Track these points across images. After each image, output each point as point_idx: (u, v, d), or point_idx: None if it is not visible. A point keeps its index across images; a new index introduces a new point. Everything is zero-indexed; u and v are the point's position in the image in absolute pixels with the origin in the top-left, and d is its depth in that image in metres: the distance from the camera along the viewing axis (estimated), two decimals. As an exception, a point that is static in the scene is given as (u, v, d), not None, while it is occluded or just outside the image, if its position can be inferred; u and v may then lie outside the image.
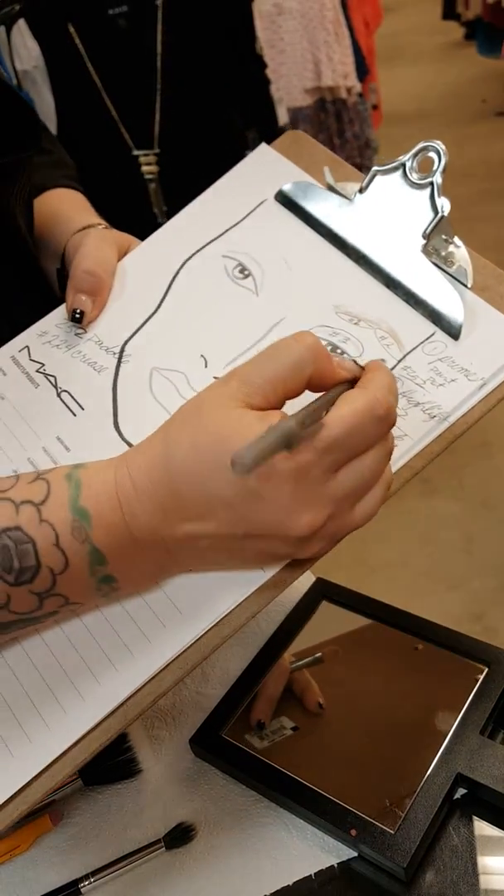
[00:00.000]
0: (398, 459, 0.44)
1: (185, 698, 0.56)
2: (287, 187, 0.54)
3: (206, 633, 0.40)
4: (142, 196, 1.52)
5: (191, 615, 0.41)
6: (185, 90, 1.48)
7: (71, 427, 0.48)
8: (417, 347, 0.47)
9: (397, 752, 0.50)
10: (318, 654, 0.55)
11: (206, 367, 0.49)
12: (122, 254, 0.55)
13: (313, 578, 0.61)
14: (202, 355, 0.49)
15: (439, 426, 0.45)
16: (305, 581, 0.62)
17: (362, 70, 2.48)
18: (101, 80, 1.47)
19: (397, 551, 1.76)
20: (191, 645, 0.40)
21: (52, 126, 1.53)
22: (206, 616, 0.41)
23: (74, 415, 0.48)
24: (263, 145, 0.57)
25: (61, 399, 0.49)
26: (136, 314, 0.52)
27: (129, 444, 0.47)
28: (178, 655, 0.40)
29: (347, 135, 2.51)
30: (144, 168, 1.52)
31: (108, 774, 0.51)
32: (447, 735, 0.48)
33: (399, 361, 0.47)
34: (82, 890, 0.46)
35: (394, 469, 0.43)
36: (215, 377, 0.48)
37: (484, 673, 0.51)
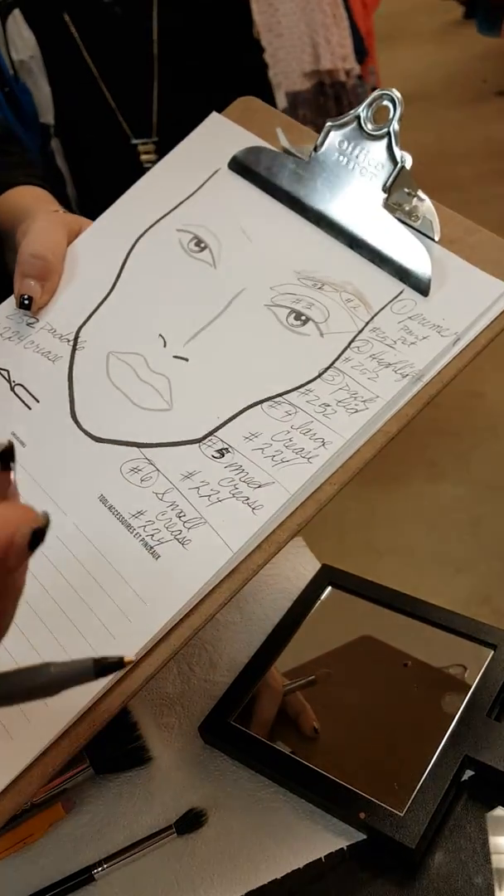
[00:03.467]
0: (372, 424, 0.42)
1: (193, 686, 0.56)
2: (240, 154, 0.52)
3: (174, 626, 0.39)
4: (141, 185, 1.52)
5: (155, 606, 0.39)
6: (183, 77, 1.47)
7: (27, 421, 0.47)
8: (386, 307, 0.46)
9: (404, 736, 0.50)
10: (312, 677, 0.54)
11: (164, 346, 0.47)
12: (74, 236, 0.54)
13: (319, 565, 0.62)
14: (160, 335, 0.48)
15: (413, 386, 0.43)
16: (311, 568, 0.62)
17: (361, 52, 2.46)
18: (98, 68, 1.46)
19: (404, 536, 1.76)
20: (160, 640, 0.39)
21: (50, 116, 1.52)
22: (171, 606, 0.39)
23: (30, 408, 0.47)
24: (214, 114, 0.56)
25: (15, 393, 0.48)
26: (89, 298, 0.51)
27: (88, 434, 0.46)
28: (147, 653, 0.39)
29: (347, 118, 2.49)
30: (143, 157, 1.51)
31: (118, 762, 0.52)
32: (454, 718, 0.48)
33: (367, 323, 0.46)
34: (95, 876, 0.46)
35: (368, 434, 0.42)
36: (175, 356, 0.47)
37: (490, 655, 0.51)
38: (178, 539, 0.41)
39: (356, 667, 0.55)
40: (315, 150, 0.49)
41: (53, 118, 1.53)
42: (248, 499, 0.41)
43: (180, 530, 0.41)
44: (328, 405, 0.43)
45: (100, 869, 0.46)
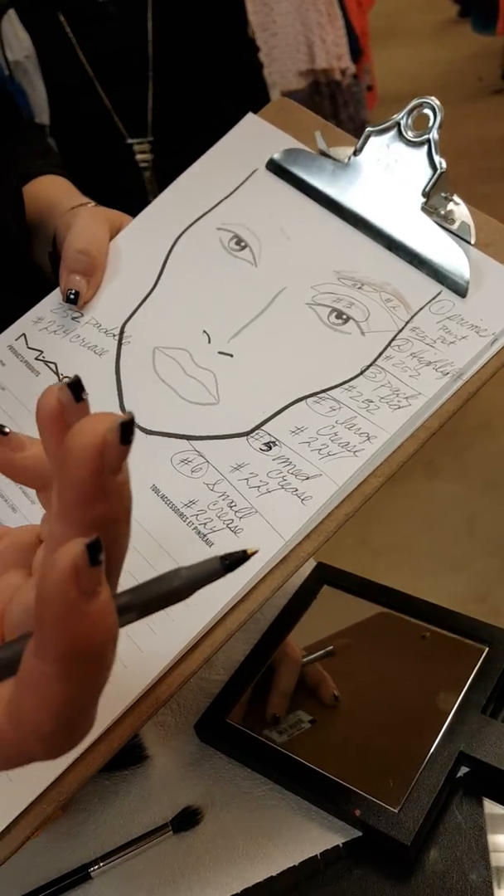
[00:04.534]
0: (414, 419, 0.43)
1: (189, 685, 0.56)
2: (278, 155, 0.53)
3: (231, 609, 0.40)
4: (137, 184, 1.52)
5: (213, 589, 0.39)
6: (178, 76, 1.47)
7: None
8: (424, 307, 0.47)
9: (399, 733, 0.50)
10: (330, 647, 0.55)
11: (209, 342, 0.48)
12: (115, 231, 0.54)
13: (314, 563, 0.62)
14: (205, 331, 0.49)
15: (454, 384, 0.44)
16: (307, 566, 0.62)
17: (356, 51, 2.46)
18: (93, 68, 1.46)
19: (400, 534, 1.77)
20: (217, 622, 0.40)
21: (45, 116, 1.52)
22: (228, 590, 0.40)
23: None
24: (251, 115, 0.56)
25: None
26: (132, 293, 0.52)
27: (138, 426, 0.46)
28: (206, 633, 0.40)
29: (342, 117, 2.49)
30: (139, 156, 1.51)
31: (115, 760, 0.51)
32: (449, 715, 0.49)
33: (407, 323, 0.47)
34: (92, 874, 0.46)
35: (411, 430, 0.43)
36: (220, 352, 0.48)
37: (485, 653, 0.52)
38: (230, 528, 0.42)
39: (375, 639, 0.56)
40: (354, 154, 0.50)
41: (49, 118, 1.53)
42: (296, 490, 0.42)
43: (232, 519, 0.42)
44: (371, 401, 0.44)
45: (96, 867, 0.47)
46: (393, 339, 0.46)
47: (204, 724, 0.52)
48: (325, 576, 0.60)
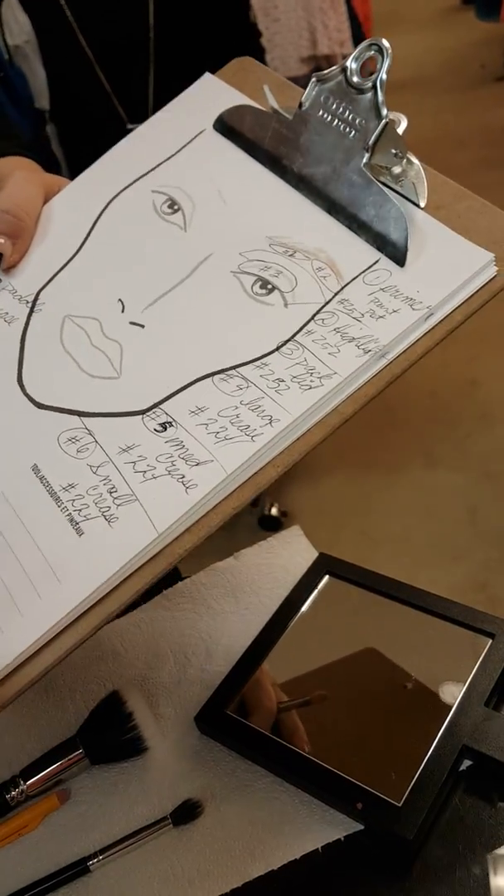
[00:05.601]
0: (325, 402, 0.39)
1: (189, 676, 0.56)
2: (225, 113, 0.50)
3: (88, 609, 0.37)
4: (137, 171, 1.51)
5: (69, 586, 0.37)
6: (179, 61, 1.46)
7: None
8: (357, 277, 0.43)
9: (402, 726, 0.50)
10: (307, 698, 0.52)
11: (122, 311, 0.46)
12: (51, 196, 0.52)
13: (316, 553, 0.61)
14: (120, 299, 0.46)
15: (375, 364, 0.40)
16: (308, 556, 0.61)
17: (359, 37, 2.44)
18: (94, 53, 1.45)
19: (401, 524, 1.76)
20: (68, 626, 0.37)
21: (45, 101, 1.51)
22: (85, 587, 0.37)
23: None
24: (207, 74, 0.53)
25: None
26: (55, 259, 0.49)
27: (31, 399, 0.44)
28: (51, 640, 0.37)
29: (345, 104, 2.47)
30: (139, 142, 1.50)
31: (114, 753, 0.51)
32: (452, 707, 0.48)
33: (335, 294, 0.42)
34: (91, 867, 0.46)
35: (320, 414, 0.39)
36: (132, 322, 0.45)
37: (488, 645, 0.51)
38: (105, 516, 0.39)
39: (354, 685, 0.54)
40: (299, 107, 0.46)
41: (49, 103, 1.51)
42: (183, 477, 0.39)
43: (109, 507, 0.39)
44: (282, 380, 0.41)
45: (95, 860, 0.46)
46: (317, 312, 0.42)
47: (204, 716, 0.51)
48: (326, 566, 0.59)
